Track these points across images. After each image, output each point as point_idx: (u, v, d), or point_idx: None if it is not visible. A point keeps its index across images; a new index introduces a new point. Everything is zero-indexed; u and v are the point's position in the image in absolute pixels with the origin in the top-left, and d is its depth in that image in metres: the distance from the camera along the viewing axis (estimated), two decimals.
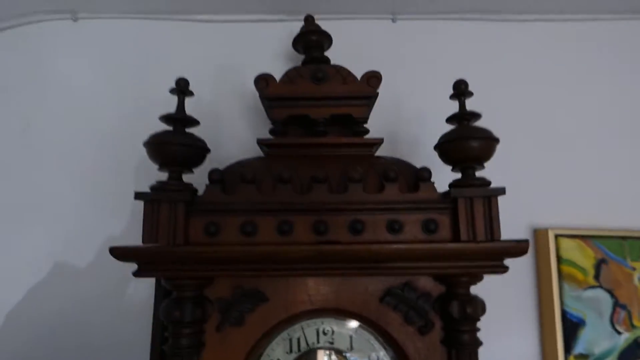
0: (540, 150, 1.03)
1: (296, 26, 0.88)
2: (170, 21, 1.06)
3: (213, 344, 0.69)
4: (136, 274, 0.66)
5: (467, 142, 0.67)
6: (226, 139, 1.03)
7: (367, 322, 0.72)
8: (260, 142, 0.79)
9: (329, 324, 0.75)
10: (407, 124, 1.03)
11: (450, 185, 0.68)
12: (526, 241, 0.64)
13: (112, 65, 1.06)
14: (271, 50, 1.06)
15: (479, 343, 0.69)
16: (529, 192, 0.99)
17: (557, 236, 0.94)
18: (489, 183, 0.67)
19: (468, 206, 0.66)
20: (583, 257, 0.93)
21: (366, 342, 0.75)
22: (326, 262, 0.65)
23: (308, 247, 0.64)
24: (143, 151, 0.68)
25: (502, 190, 0.66)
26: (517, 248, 0.64)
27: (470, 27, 1.08)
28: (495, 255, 0.65)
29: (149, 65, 1.05)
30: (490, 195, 0.66)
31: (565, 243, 0.93)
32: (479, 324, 0.70)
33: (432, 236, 0.67)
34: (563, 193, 1.01)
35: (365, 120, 0.80)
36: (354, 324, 0.75)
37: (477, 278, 0.69)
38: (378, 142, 0.79)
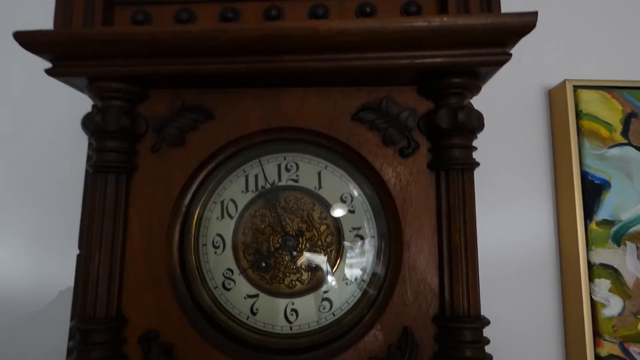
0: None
1: None
2: None
3: (147, 166, 0.57)
4: (50, 71, 0.54)
5: None
6: None
7: (335, 145, 0.59)
8: None
9: (292, 159, 0.63)
10: None
11: None
12: (533, 13, 0.50)
13: None
14: None
15: (474, 163, 0.55)
16: (539, 48, 0.83)
17: (576, 88, 0.78)
18: None
19: None
20: (608, 110, 0.77)
21: (337, 178, 0.62)
22: (278, 53, 0.52)
23: (253, 26, 0.51)
24: None
25: None
26: (521, 22, 0.50)
27: None
28: (494, 34, 0.50)
29: None
30: None
31: (587, 95, 0.78)
32: (476, 143, 0.56)
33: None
34: (579, 45, 0.85)
35: None
36: (322, 159, 0.62)
37: (471, 83, 0.55)
38: None
